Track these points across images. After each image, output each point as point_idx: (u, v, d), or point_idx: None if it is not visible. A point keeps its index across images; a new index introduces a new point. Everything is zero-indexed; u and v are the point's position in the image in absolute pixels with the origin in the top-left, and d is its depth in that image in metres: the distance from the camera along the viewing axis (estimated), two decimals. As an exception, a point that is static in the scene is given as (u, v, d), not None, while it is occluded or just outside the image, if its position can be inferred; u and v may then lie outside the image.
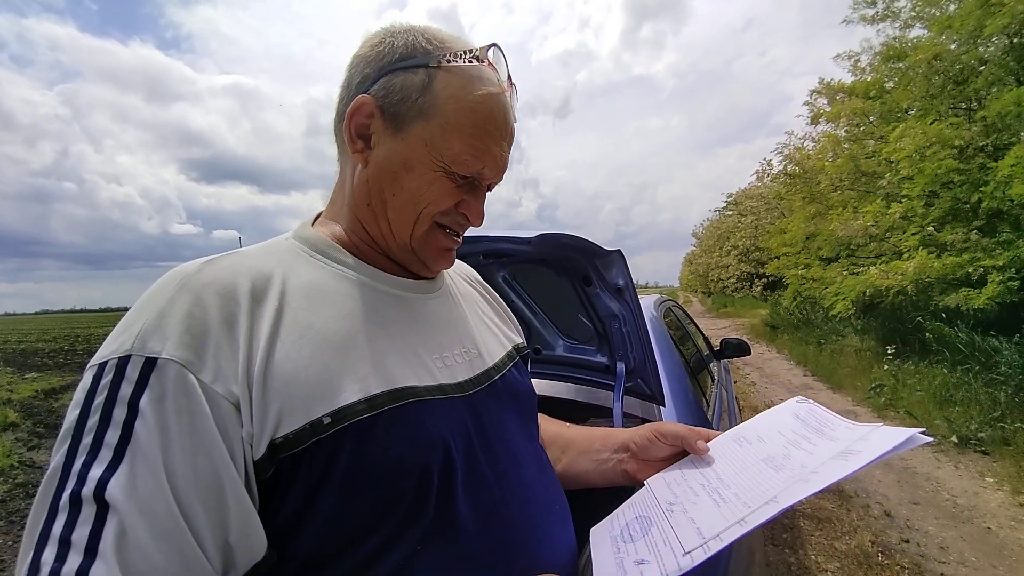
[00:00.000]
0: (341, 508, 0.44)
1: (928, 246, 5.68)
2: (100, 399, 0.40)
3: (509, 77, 0.56)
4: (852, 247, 7.60)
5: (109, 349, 0.42)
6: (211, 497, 0.40)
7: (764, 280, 20.89)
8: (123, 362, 0.40)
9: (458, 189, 0.54)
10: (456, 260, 0.71)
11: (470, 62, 0.52)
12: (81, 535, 0.36)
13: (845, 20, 7.18)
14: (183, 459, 0.39)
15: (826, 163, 7.59)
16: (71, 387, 8.79)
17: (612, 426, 1.21)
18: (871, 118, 7.36)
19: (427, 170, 0.52)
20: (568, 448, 0.78)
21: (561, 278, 1.33)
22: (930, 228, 5.69)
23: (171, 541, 0.38)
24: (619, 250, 1.18)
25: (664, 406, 1.31)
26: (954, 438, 3.80)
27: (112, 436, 0.39)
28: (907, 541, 2.52)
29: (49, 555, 0.36)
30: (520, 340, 0.77)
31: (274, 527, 0.44)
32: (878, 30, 7.18)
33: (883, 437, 0.55)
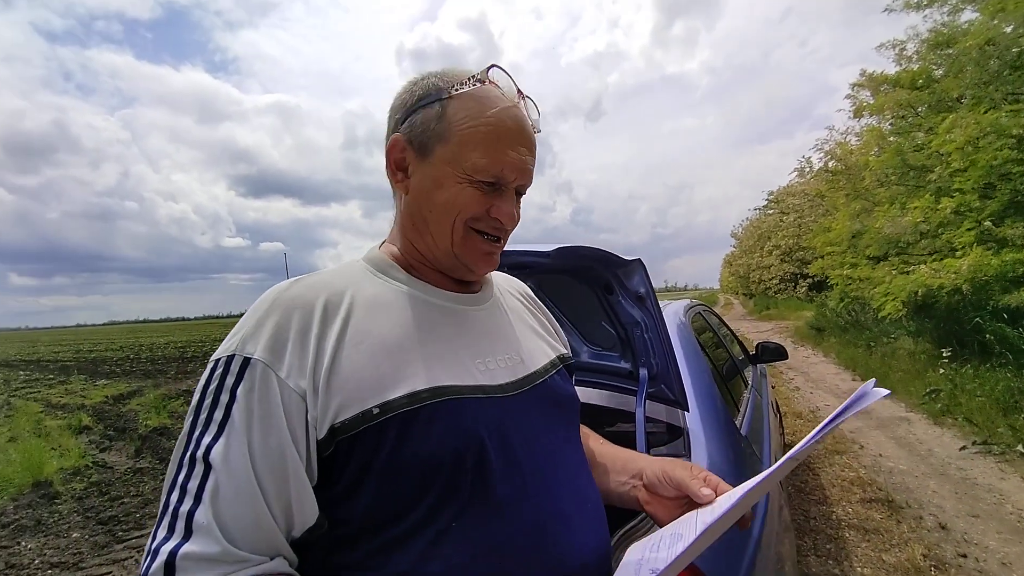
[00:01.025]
0: (384, 486, 0.53)
1: (986, 242, 5.34)
2: (213, 386, 0.52)
3: (519, 91, 0.63)
4: (901, 245, 7.22)
5: (222, 349, 0.54)
6: (277, 468, 0.50)
7: (809, 280, 20.03)
8: (229, 359, 0.53)
9: (486, 196, 0.61)
10: (509, 276, 0.80)
11: (475, 86, 0.60)
12: (193, 485, 0.49)
13: (887, 9, 6.87)
14: (260, 437, 0.50)
15: (870, 158, 7.25)
16: (137, 393, 9.44)
17: (634, 430, 1.24)
18: (918, 109, 6.99)
19: (453, 183, 0.60)
20: (596, 464, 0.80)
21: (584, 287, 1.38)
22: (988, 223, 5.35)
23: (247, 499, 0.49)
24: (639, 259, 1.22)
25: (688, 411, 1.32)
26: (1020, 447, 3.56)
27: (218, 415, 0.51)
28: (964, 556, 2.39)
29: (174, 497, 0.49)
30: (565, 351, 0.81)
31: (330, 497, 0.53)
32: (924, 16, 6.84)
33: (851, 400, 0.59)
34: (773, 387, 3.49)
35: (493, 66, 0.61)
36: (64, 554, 3.43)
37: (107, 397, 9.16)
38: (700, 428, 1.33)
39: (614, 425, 1.58)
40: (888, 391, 0.58)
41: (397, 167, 0.63)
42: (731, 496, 0.63)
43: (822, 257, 10.22)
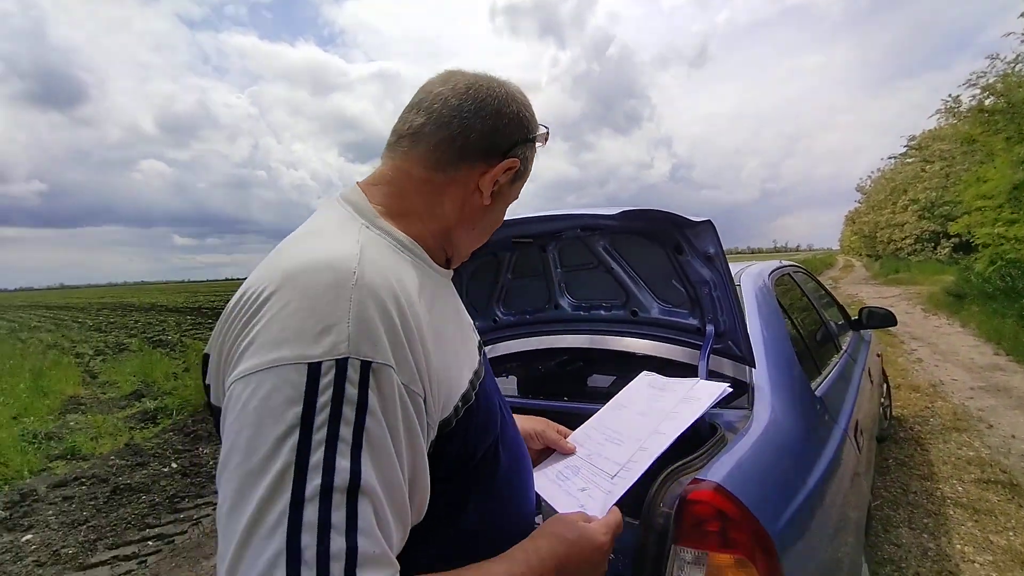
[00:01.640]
0: (458, 474, 0.55)
1: None
2: (324, 398, 0.41)
3: None
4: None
5: (318, 350, 0.43)
6: (417, 478, 0.47)
7: (954, 241, 17.14)
8: (342, 364, 0.42)
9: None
10: None
11: (542, 142, 0.71)
12: (339, 518, 0.39)
13: None
14: (404, 449, 0.45)
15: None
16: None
17: None
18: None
19: (504, 205, 0.70)
20: None
21: (655, 247, 1.45)
22: None
23: (402, 516, 0.45)
24: (709, 220, 1.27)
25: (755, 367, 1.37)
26: None
27: (346, 432, 0.41)
28: (1096, 547, 2.15)
29: (309, 539, 0.38)
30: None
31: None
32: None
33: (705, 388, 1.00)
34: (879, 356, 3.23)
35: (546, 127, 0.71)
36: (230, 459, 4.33)
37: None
38: (767, 384, 1.37)
39: (685, 376, 1.66)
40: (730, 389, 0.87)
41: (493, 182, 0.64)
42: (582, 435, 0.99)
43: (970, 213, 8.70)
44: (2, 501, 3.41)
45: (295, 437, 0.40)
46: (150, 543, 2.96)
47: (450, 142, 0.61)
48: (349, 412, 0.42)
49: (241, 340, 0.47)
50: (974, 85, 7.42)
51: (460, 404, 0.54)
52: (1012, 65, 7.40)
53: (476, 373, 0.60)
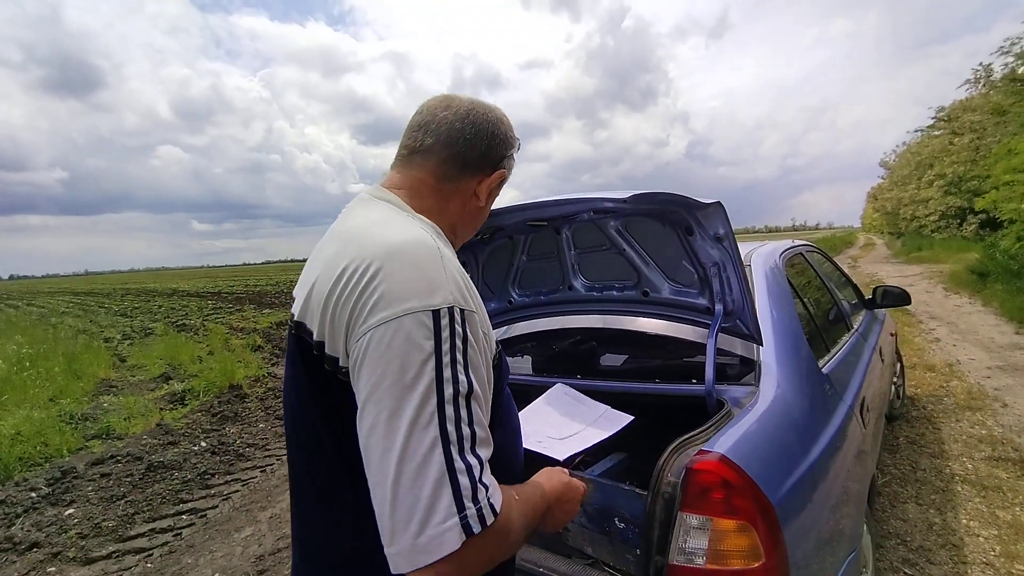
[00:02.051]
0: (497, 387, 0.73)
1: None
2: (446, 333, 0.59)
3: None
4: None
5: (436, 298, 0.59)
6: (490, 388, 0.67)
7: (980, 217, 16.62)
8: (451, 311, 0.60)
9: None
10: None
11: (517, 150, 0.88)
12: (465, 414, 0.58)
13: None
14: (483, 368, 0.64)
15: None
16: (290, 321, 11.36)
17: (704, 362, 1.37)
18: None
19: (491, 206, 0.88)
20: None
21: (667, 228, 1.48)
22: None
23: (487, 412, 0.65)
24: (719, 202, 1.29)
25: (762, 345, 1.41)
26: None
27: (460, 356, 0.59)
28: (1106, 522, 2.17)
29: (452, 428, 0.57)
30: None
31: None
32: None
33: (614, 417, 1.17)
34: (893, 335, 3.23)
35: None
36: (255, 438, 4.50)
37: (272, 323, 11.13)
38: (774, 362, 1.41)
39: (693, 357, 1.70)
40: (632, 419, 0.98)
41: (489, 190, 0.82)
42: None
43: (998, 188, 8.43)
44: (45, 478, 3.62)
45: (433, 360, 0.57)
46: (184, 517, 3.14)
47: (454, 159, 0.78)
48: (460, 343, 0.60)
49: (364, 301, 0.60)
50: (1007, 52, 7.10)
51: (497, 347, 0.74)
52: (1047, 32, 7.06)
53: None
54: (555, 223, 1.67)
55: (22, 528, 2.99)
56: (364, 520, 0.61)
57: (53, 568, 2.64)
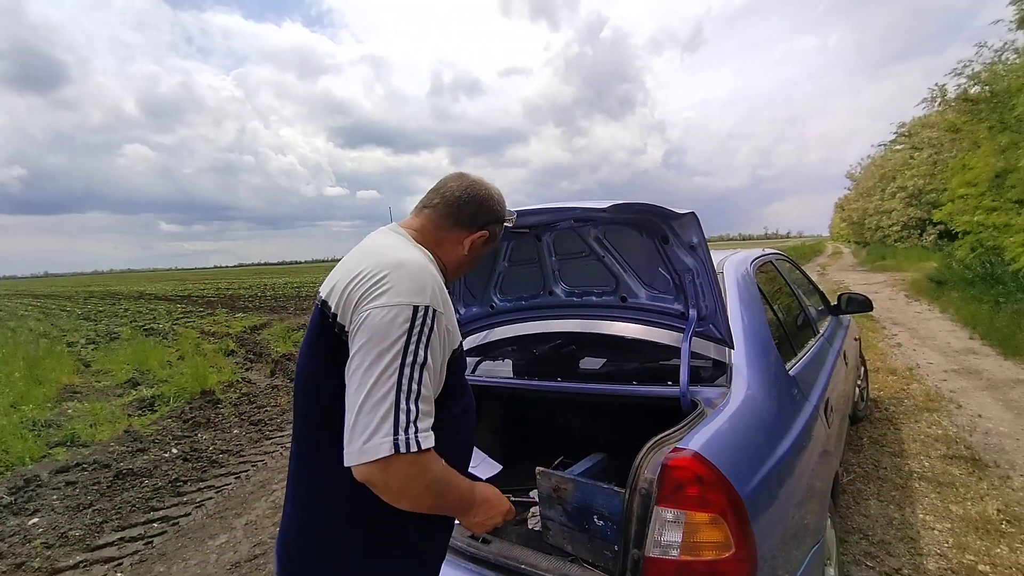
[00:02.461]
0: (447, 381, 0.94)
1: None
2: (419, 322, 0.84)
3: None
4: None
5: (419, 299, 0.85)
6: (442, 370, 0.91)
7: (939, 228, 17.45)
8: (427, 309, 0.85)
9: None
10: None
11: (507, 223, 1.14)
12: (416, 382, 0.82)
13: None
14: (439, 353, 0.88)
15: (1026, 81, 6.03)
16: (266, 325, 11.10)
17: (679, 364, 1.43)
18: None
19: (477, 258, 1.14)
20: None
21: (644, 237, 1.55)
22: None
23: (435, 386, 0.88)
24: (692, 212, 1.36)
25: (733, 348, 1.49)
26: None
27: (424, 339, 0.84)
28: (1048, 515, 2.33)
29: (406, 382, 0.81)
30: None
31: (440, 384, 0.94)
32: None
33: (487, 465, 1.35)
34: (857, 339, 3.38)
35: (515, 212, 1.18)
36: (229, 444, 4.41)
37: (245, 328, 10.87)
38: (744, 364, 1.49)
39: (669, 360, 1.77)
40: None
41: (472, 244, 1.08)
42: None
43: (953, 201, 8.89)
44: (6, 487, 3.48)
45: (406, 337, 0.82)
46: (155, 525, 3.06)
47: (450, 215, 1.06)
48: (427, 331, 0.84)
49: (373, 291, 0.86)
50: (960, 74, 7.54)
51: (459, 347, 0.97)
52: (999, 53, 7.52)
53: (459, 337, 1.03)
54: (536, 230, 1.72)
55: (-19, 539, 2.86)
56: (334, 484, 0.89)
57: (15, 581, 2.54)
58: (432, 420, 0.85)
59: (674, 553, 1.09)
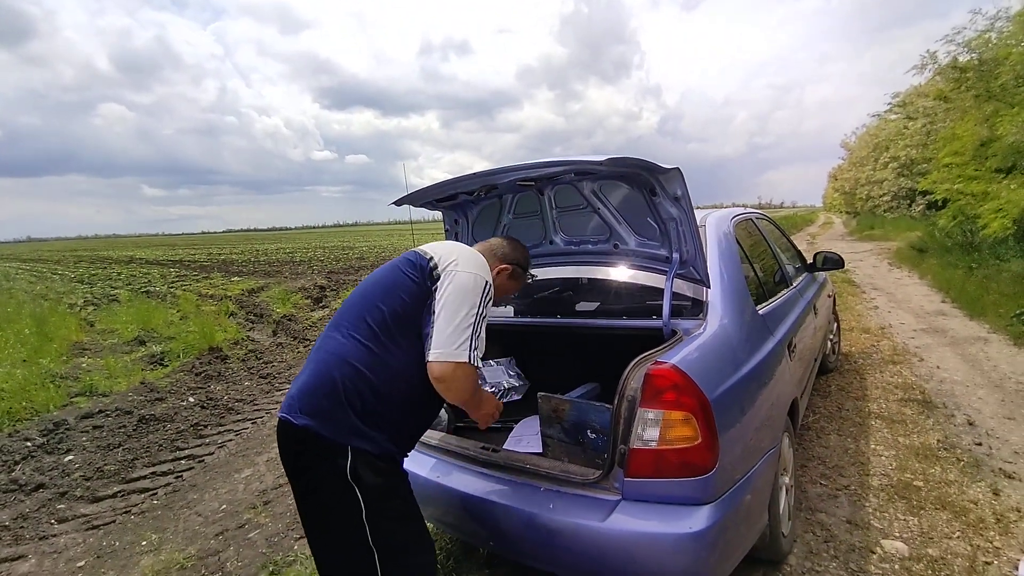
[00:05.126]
0: None
1: None
2: (486, 289, 1.34)
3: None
4: (1034, 155, 6.30)
5: (488, 277, 1.37)
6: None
7: (928, 199, 17.72)
8: (488, 281, 1.36)
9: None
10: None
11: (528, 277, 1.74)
12: (482, 330, 1.32)
13: None
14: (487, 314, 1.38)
15: (1012, 49, 6.14)
16: (263, 288, 11.25)
17: (662, 303, 1.66)
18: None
19: (510, 285, 1.67)
20: None
21: (634, 190, 1.75)
22: None
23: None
24: (677, 168, 1.56)
25: (710, 288, 1.72)
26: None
27: (486, 303, 1.34)
28: (979, 444, 2.64)
29: (470, 331, 1.28)
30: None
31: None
32: None
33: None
34: (831, 296, 3.65)
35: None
36: (242, 394, 4.67)
37: (243, 291, 11.02)
38: (719, 302, 1.72)
39: (655, 299, 2.00)
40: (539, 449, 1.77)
41: (501, 273, 1.57)
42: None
43: (939, 170, 9.10)
44: (37, 429, 3.72)
45: (479, 297, 1.31)
46: (183, 462, 3.33)
47: (491, 253, 1.57)
48: (489, 296, 1.35)
49: (460, 263, 1.35)
50: (951, 40, 7.58)
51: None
52: (992, 21, 7.54)
53: None
54: (540, 184, 1.91)
55: (24, 472, 3.12)
56: (380, 364, 1.26)
57: (62, 505, 2.81)
58: (483, 351, 1.32)
59: (653, 445, 1.34)
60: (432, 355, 1.22)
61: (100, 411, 4.08)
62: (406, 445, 1.36)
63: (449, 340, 1.22)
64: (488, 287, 1.33)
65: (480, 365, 1.29)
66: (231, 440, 3.67)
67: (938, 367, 3.90)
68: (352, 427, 1.20)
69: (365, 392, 1.23)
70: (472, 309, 1.27)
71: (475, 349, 1.25)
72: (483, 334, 1.30)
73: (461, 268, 1.32)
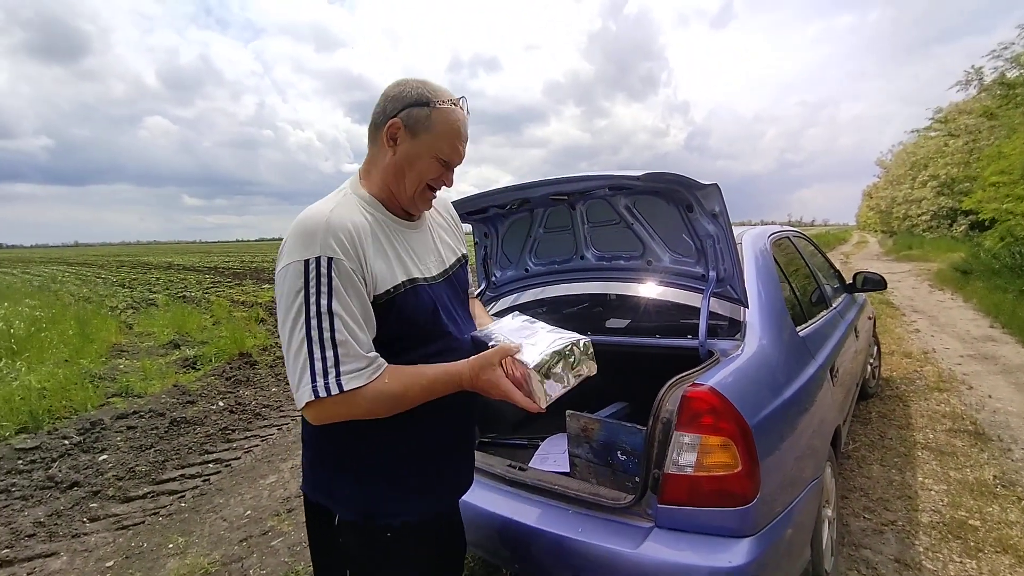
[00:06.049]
0: (396, 326, 0.97)
1: None
2: (314, 276, 0.86)
3: (468, 112, 1.03)
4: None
5: (307, 253, 0.86)
6: (367, 310, 0.92)
7: (971, 219, 16.97)
8: (318, 259, 0.86)
9: (441, 168, 1.01)
10: (442, 196, 1.16)
11: (451, 106, 0.98)
12: (326, 329, 0.86)
13: None
14: (353, 294, 0.89)
15: (1067, 66, 5.86)
16: (292, 296, 11.54)
17: (698, 322, 1.61)
18: None
19: (427, 159, 0.99)
20: (474, 317, 1.28)
21: (669, 206, 1.71)
22: None
23: (360, 326, 0.90)
24: (715, 184, 1.52)
25: (748, 307, 1.65)
26: None
27: (323, 291, 0.86)
28: (1042, 482, 2.47)
29: (316, 335, 0.86)
30: (464, 251, 1.23)
31: (379, 329, 0.95)
32: None
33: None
34: (871, 319, 3.49)
35: (463, 97, 1.02)
36: (269, 400, 4.74)
37: (272, 299, 11.31)
38: (757, 322, 1.66)
39: (689, 319, 1.94)
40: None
41: (390, 138, 0.98)
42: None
43: (985, 188, 8.70)
44: (75, 428, 3.85)
45: (303, 292, 0.86)
46: (211, 465, 3.38)
47: (372, 126, 1.01)
48: (325, 280, 0.86)
49: (278, 257, 0.93)
50: (999, 56, 7.29)
51: (391, 289, 0.95)
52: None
53: (413, 280, 1.00)
54: (572, 199, 1.89)
55: (60, 470, 3.22)
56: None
57: (95, 504, 2.88)
58: (366, 361, 0.88)
59: (689, 470, 1.28)
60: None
61: (134, 412, 4.20)
62: (416, 499, 1.04)
63: (291, 379, 0.87)
64: (317, 265, 0.86)
65: (343, 385, 0.87)
66: (257, 445, 3.71)
67: (990, 396, 3.67)
68: (323, 484, 1.06)
69: (318, 438, 1.03)
70: (299, 317, 0.85)
71: (328, 369, 0.85)
72: (340, 335, 0.86)
73: (277, 266, 0.91)
